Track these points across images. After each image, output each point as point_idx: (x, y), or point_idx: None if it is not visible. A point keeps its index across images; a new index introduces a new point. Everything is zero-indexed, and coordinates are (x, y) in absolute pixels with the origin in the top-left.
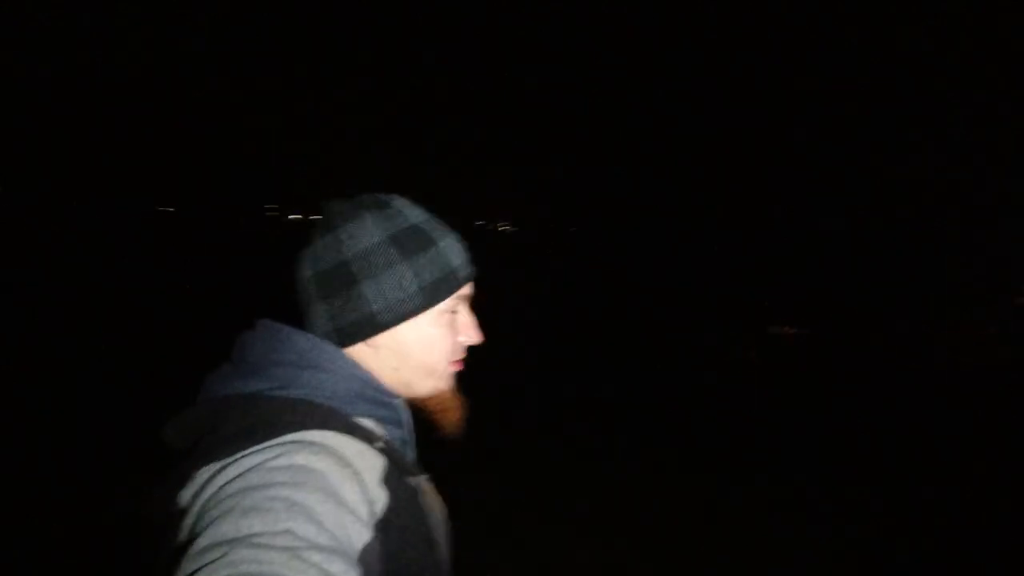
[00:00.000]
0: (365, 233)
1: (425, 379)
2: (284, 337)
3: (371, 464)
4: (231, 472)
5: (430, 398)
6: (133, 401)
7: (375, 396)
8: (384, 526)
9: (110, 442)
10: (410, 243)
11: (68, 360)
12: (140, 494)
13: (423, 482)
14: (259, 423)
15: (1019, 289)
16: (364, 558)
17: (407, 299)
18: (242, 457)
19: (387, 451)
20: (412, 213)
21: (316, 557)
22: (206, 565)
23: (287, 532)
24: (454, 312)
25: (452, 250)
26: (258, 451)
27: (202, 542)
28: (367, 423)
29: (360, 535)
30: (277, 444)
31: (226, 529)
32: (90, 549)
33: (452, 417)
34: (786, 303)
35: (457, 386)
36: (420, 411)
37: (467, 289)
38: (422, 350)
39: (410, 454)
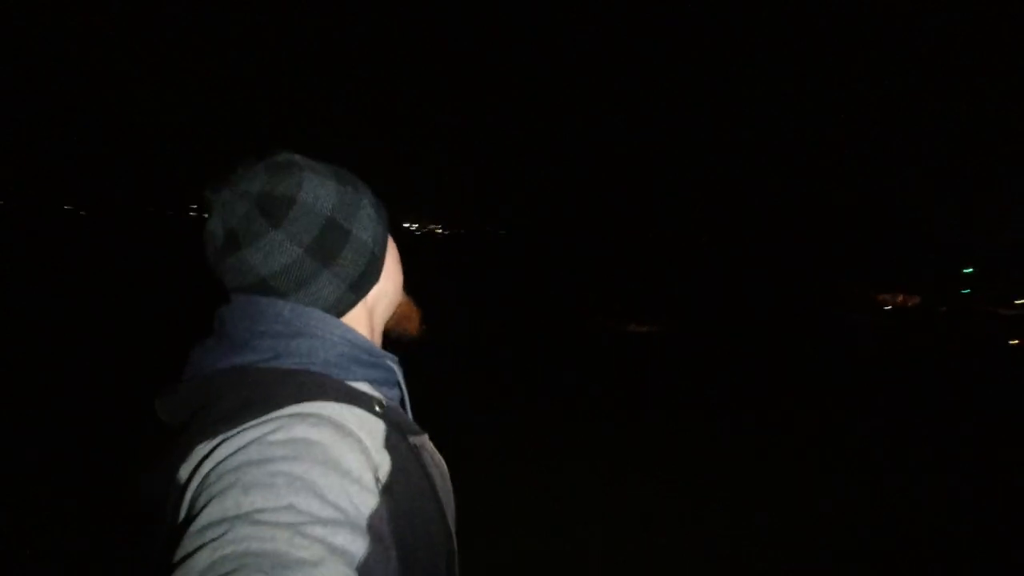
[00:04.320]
0: (324, 187)
1: (399, 296)
2: (265, 307)
3: (371, 429)
4: (230, 447)
5: (400, 313)
6: (130, 399)
7: (368, 359)
8: (389, 489)
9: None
10: (353, 182)
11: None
12: (137, 471)
13: (424, 440)
14: (255, 396)
15: None
16: (372, 523)
17: (382, 228)
18: (240, 432)
19: (386, 414)
20: (316, 161)
21: (319, 531)
22: (209, 543)
23: (289, 507)
24: None
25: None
26: (256, 425)
27: (203, 519)
28: (363, 387)
29: (366, 502)
30: (275, 418)
31: (228, 505)
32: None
33: (415, 322)
34: None
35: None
36: (392, 331)
37: None
38: (396, 269)
39: (408, 413)
